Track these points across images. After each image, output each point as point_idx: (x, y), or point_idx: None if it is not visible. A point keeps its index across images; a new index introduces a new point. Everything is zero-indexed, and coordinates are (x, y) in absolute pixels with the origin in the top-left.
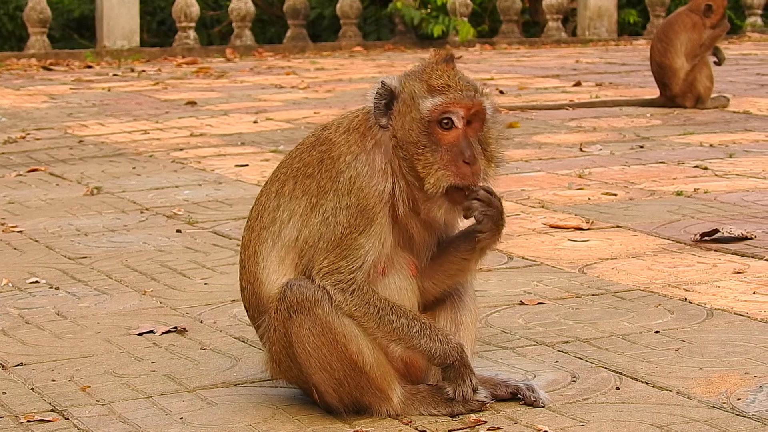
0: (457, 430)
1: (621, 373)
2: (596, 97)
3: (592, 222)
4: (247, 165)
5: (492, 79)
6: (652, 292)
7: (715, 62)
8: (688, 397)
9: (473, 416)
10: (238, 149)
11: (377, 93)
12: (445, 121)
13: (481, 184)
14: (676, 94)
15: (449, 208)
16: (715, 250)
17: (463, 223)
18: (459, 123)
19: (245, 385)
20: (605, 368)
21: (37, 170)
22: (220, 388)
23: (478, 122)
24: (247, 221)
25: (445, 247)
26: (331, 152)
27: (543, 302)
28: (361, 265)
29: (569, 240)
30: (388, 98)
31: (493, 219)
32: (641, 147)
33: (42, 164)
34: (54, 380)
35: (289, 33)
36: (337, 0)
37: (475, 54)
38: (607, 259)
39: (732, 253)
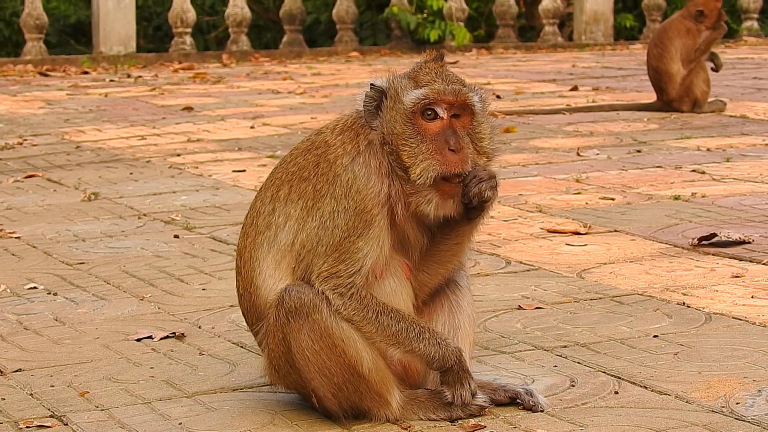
0: None
1: (620, 378)
2: (593, 102)
3: (590, 226)
4: (244, 170)
5: (489, 83)
6: (650, 296)
7: (712, 68)
8: (687, 402)
9: (472, 421)
10: (235, 154)
11: (367, 95)
12: (429, 112)
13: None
14: (672, 98)
15: (440, 201)
16: (713, 255)
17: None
18: (443, 114)
19: (244, 390)
20: (604, 373)
21: (35, 176)
22: (218, 393)
23: (466, 116)
24: (242, 227)
25: (434, 238)
26: (327, 155)
27: (541, 307)
28: (360, 269)
29: (567, 244)
30: (378, 100)
31: (495, 187)
32: (638, 151)
33: (39, 170)
34: (53, 386)
35: (285, 38)
36: (333, 5)
37: (471, 59)
38: (605, 263)
39: (730, 257)
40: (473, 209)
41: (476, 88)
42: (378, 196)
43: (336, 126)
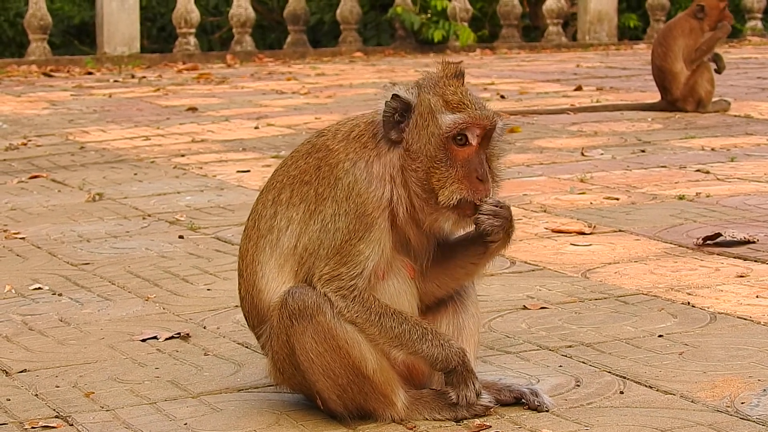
0: None
1: (625, 378)
2: (597, 102)
3: (595, 226)
4: (248, 171)
5: (493, 83)
6: (655, 296)
7: (715, 70)
8: (692, 401)
9: (477, 421)
10: (239, 155)
11: (389, 105)
12: (461, 138)
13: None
14: (677, 98)
15: (456, 219)
16: (717, 254)
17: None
18: (474, 141)
19: (249, 390)
20: (609, 372)
21: (39, 177)
22: (223, 393)
23: (487, 140)
24: (244, 230)
25: (451, 251)
26: (328, 159)
27: (546, 307)
28: (362, 272)
29: (572, 244)
30: (400, 111)
31: (503, 228)
32: (643, 151)
33: (43, 171)
34: (58, 386)
35: (289, 39)
36: (337, 5)
37: (475, 59)
38: (610, 263)
39: (734, 257)
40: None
41: (496, 112)
42: (380, 200)
43: (339, 131)
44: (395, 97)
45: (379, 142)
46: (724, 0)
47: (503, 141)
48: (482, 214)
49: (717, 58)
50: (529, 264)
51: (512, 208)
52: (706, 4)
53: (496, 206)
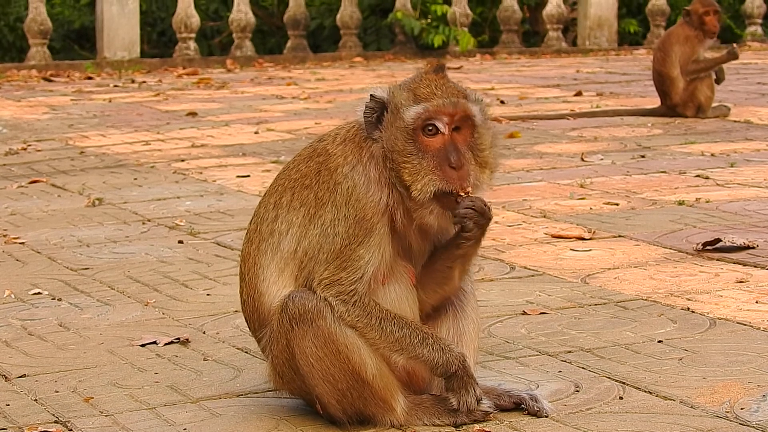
0: None
1: (624, 383)
2: (597, 107)
3: (594, 231)
4: (248, 176)
5: (493, 89)
6: (654, 301)
7: (714, 80)
8: (691, 407)
9: (477, 426)
10: (239, 160)
11: (367, 106)
12: (429, 128)
13: (469, 192)
14: (676, 103)
15: (441, 213)
16: (717, 260)
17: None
18: (444, 129)
19: (248, 395)
20: (608, 378)
21: (39, 181)
22: (223, 398)
23: (467, 128)
24: (247, 233)
25: (434, 256)
26: (328, 163)
27: (545, 312)
28: (362, 276)
29: (571, 250)
30: (379, 111)
31: (482, 228)
32: (642, 156)
33: (43, 175)
34: (57, 391)
35: (289, 43)
36: (337, 10)
37: (475, 64)
38: (610, 268)
39: (734, 263)
40: (461, 235)
41: (477, 97)
42: (378, 205)
43: (338, 134)
44: (372, 97)
45: (368, 142)
46: (706, 6)
47: (491, 128)
48: (465, 208)
49: (717, 69)
50: (529, 269)
51: (511, 213)
52: (690, 9)
53: (482, 204)
